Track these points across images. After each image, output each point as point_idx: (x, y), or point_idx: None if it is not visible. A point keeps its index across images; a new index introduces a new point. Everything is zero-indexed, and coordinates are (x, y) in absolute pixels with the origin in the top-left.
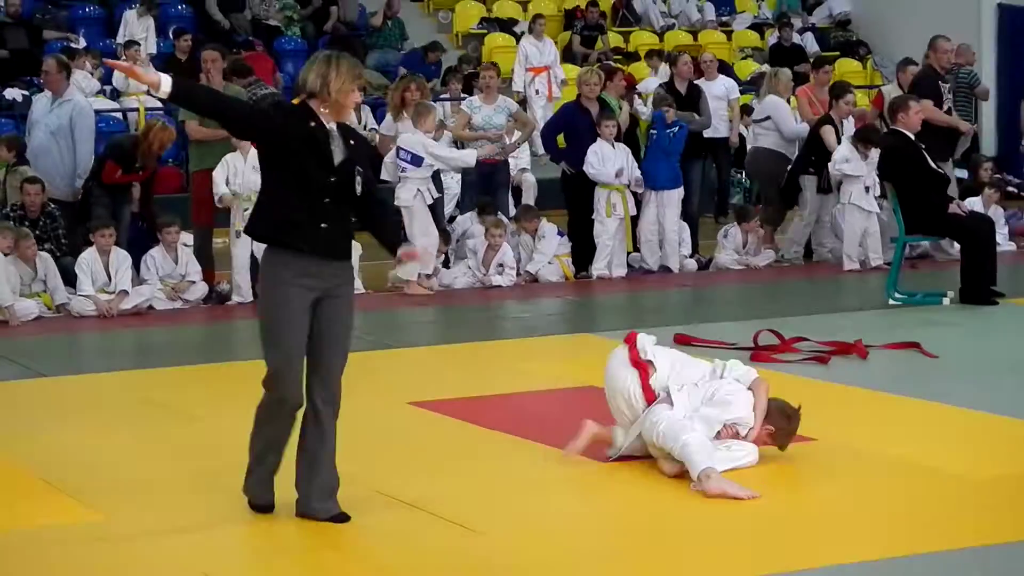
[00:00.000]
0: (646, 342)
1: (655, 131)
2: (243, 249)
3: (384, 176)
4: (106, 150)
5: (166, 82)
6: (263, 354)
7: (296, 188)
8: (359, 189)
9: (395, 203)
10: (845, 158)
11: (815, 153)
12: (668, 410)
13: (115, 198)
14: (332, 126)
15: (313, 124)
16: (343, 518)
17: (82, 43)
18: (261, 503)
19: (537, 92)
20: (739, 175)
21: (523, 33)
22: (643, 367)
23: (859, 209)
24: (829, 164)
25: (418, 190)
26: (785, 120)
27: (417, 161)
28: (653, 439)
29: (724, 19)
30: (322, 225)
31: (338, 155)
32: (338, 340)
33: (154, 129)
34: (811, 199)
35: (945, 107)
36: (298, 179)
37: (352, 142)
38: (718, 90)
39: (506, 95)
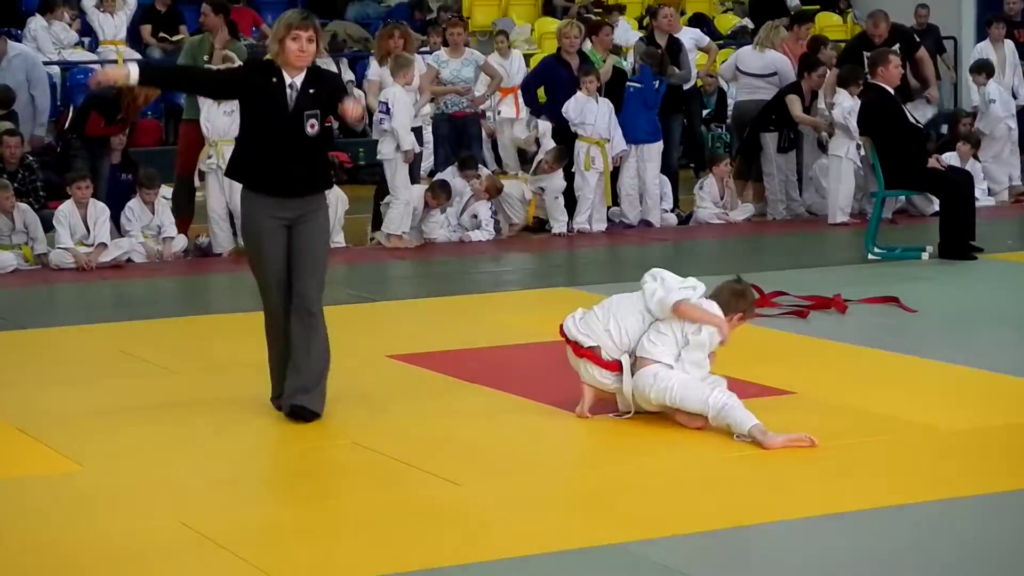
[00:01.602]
0: (574, 325)
1: (640, 84)
2: (217, 201)
3: (374, 135)
4: (88, 101)
5: (133, 71)
6: (253, 274)
7: (258, 134)
8: (311, 132)
9: (377, 156)
10: (851, 109)
11: (776, 112)
12: (665, 370)
13: (93, 151)
14: (295, 80)
15: (275, 79)
16: (313, 415)
17: None
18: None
19: (500, 113)
20: (719, 128)
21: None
22: (588, 354)
23: (853, 163)
24: (835, 113)
25: (398, 144)
26: (793, 78)
27: (389, 110)
28: (667, 402)
29: None
30: (283, 167)
31: (291, 103)
32: (312, 256)
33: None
34: (773, 156)
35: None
36: (259, 126)
37: (312, 90)
38: (686, 43)
39: (479, 49)
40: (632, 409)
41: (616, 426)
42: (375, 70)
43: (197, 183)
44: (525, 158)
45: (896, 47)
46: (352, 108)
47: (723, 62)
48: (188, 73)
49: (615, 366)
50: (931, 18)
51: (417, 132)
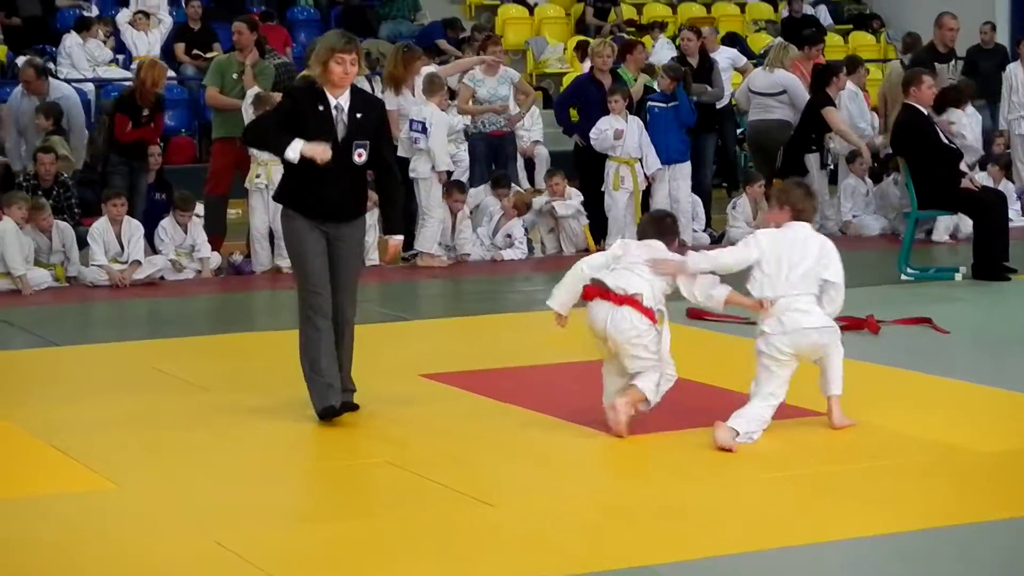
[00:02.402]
0: (609, 278)
1: (663, 104)
2: (260, 220)
3: (401, 153)
4: (111, 107)
5: (299, 143)
6: (296, 280)
7: (305, 162)
8: (359, 160)
9: (411, 175)
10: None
11: (815, 130)
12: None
13: (132, 167)
14: (340, 100)
15: (321, 107)
16: (354, 407)
17: (95, 11)
18: (326, 405)
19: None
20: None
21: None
22: (631, 301)
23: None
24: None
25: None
26: (803, 95)
27: (427, 130)
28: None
29: None
30: (326, 197)
31: (341, 130)
32: (347, 274)
33: (144, 66)
34: (817, 177)
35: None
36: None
37: (359, 115)
38: (722, 62)
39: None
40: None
41: (646, 446)
42: (389, 99)
43: (250, 204)
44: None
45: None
46: (394, 250)
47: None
48: (267, 123)
49: (652, 315)
50: (962, 37)
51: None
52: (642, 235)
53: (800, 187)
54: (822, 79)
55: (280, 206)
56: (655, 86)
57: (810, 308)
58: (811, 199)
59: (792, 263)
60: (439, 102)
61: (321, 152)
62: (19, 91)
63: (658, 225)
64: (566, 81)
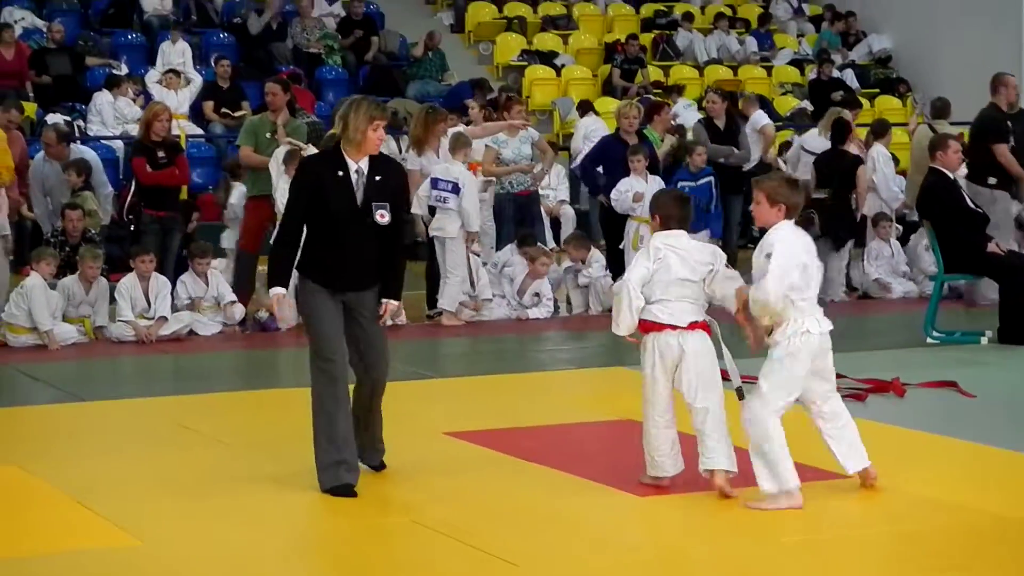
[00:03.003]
0: (663, 312)
1: (692, 183)
2: None
3: (415, 210)
4: (130, 152)
5: (281, 292)
6: (309, 342)
7: (325, 227)
8: (382, 220)
9: (435, 233)
10: None
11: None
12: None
13: (163, 224)
14: (361, 164)
15: (340, 173)
16: (382, 466)
17: (124, 70)
18: (339, 484)
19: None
20: None
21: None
22: (703, 326)
23: None
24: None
25: (462, 221)
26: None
27: (457, 189)
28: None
29: (765, 54)
30: (346, 264)
31: (360, 195)
32: (375, 337)
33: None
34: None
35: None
36: (326, 220)
37: (378, 177)
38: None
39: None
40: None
41: (670, 507)
42: (413, 159)
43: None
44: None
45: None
46: (388, 312)
47: (782, 143)
48: (286, 242)
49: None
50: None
51: None
52: (664, 213)
53: (789, 181)
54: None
55: None
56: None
57: None
58: (800, 192)
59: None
60: (464, 159)
61: (281, 319)
62: (40, 158)
63: (683, 207)
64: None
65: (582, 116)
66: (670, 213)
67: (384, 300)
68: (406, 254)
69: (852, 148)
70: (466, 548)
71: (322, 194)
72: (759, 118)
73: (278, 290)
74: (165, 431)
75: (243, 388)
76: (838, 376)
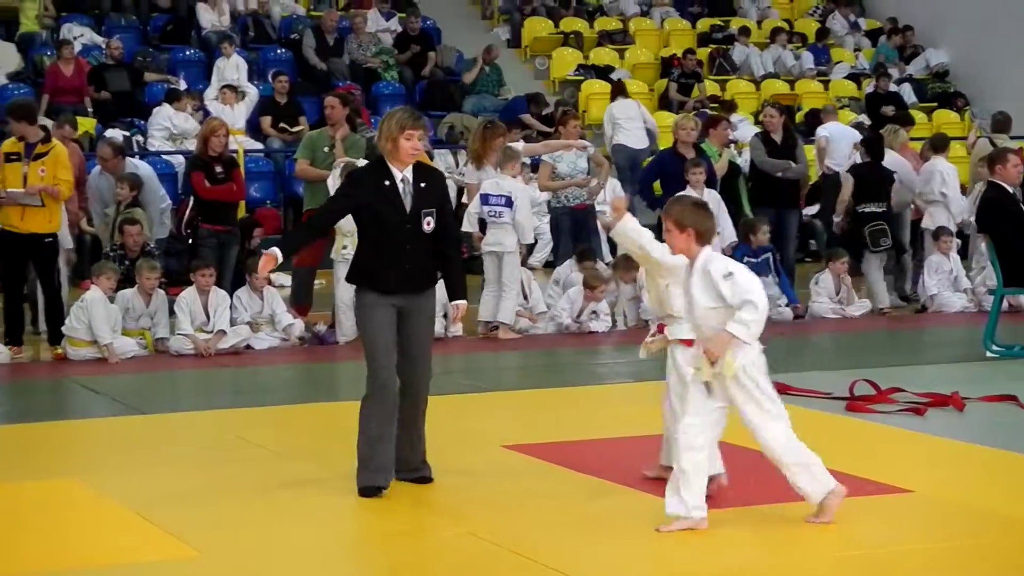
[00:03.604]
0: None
1: (754, 259)
2: (345, 290)
3: (465, 228)
4: (188, 166)
5: (278, 253)
6: (365, 356)
7: (379, 237)
8: (427, 228)
9: (490, 248)
10: None
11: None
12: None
13: (220, 239)
14: (405, 173)
15: (388, 183)
16: (427, 479)
17: (182, 85)
18: (371, 484)
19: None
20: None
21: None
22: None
23: None
24: None
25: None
26: (913, 177)
27: (511, 203)
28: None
29: (821, 68)
30: (398, 269)
31: (408, 202)
32: (421, 346)
33: (204, 123)
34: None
35: None
36: (379, 229)
37: (423, 185)
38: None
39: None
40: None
41: (728, 520)
42: (471, 172)
43: (335, 274)
44: None
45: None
46: (458, 314)
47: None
48: (312, 225)
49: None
50: None
51: None
52: (702, 228)
53: (697, 204)
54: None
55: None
56: (738, 160)
57: None
58: (710, 216)
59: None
60: (514, 173)
61: (263, 265)
62: (96, 172)
63: (712, 219)
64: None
65: (613, 99)
66: (708, 227)
67: (453, 303)
68: (461, 257)
69: (908, 161)
70: (526, 561)
71: (372, 204)
72: (820, 131)
73: (274, 249)
74: (224, 444)
75: (301, 401)
76: (897, 390)
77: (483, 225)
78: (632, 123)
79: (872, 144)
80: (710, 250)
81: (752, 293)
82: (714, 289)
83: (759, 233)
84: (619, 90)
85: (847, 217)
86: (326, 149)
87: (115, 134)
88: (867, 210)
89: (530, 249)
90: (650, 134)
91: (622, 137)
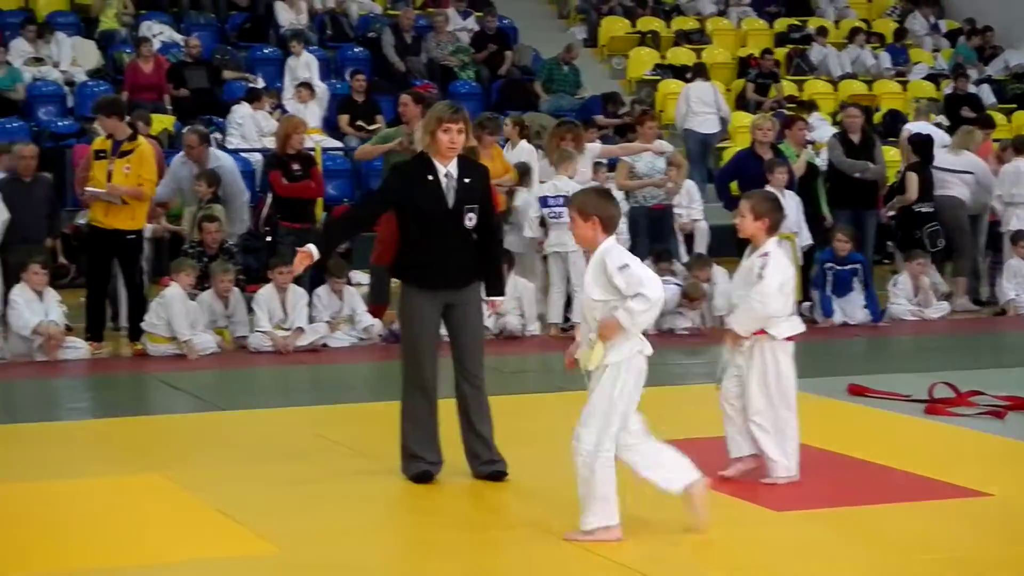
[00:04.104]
0: None
1: (839, 267)
2: None
3: (528, 233)
4: (265, 165)
5: (314, 250)
6: (402, 350)
7: (421, 231)
8: (469, 224)
9: (553, 249)
10: None
11: None
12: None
13: (299, 236)
14: (449, 168)
15: (430, 177)
16: (502, 476)
17: (260, 83)
18: (417, 472)
19: None
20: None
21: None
22: None
23: None
24: None
25: None
26: (991, 180)
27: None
28: None
29: (900, 69)
30: (441, 265)
31: (451, 197)
32: (473, 336)
33: (281, 120)
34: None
35: None
36: (420, 223)
37: (467, 180)
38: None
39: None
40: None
41: (804, 523)
42: (547, 172)
43: None
44: None
45: None
46: (498, 308)
47: None
48: (351, 218)
49: None
50: None
51: None
52: (775, 219)
53: (599, 192)
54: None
55: None
56: (816, 161)
57: None
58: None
59: None
60: (568, 174)
61: (297, 263)
62: (179, 159)
63: (609, 200)
64: (725, 156)
65: (692, 80)
66: (612, 215)
67: (489, 299)
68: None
69: (991, 163)
70: (598, 558)
71: (413, 198)
72: (906, 128)
73: (310, 246)
74: (302, 441)
75: (378, 399)
76: (977, 393)
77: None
78: (705, 108)
79: (922, 145)
80: (613, 241)
81: (645, 286)
82: (606, 281)
83: (838, 241)
84: (699, 72)
85: (898, 213)
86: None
87: (177, 158)
88: (923, 210)
89: None
90: (723, 121)
91: (693, 122)
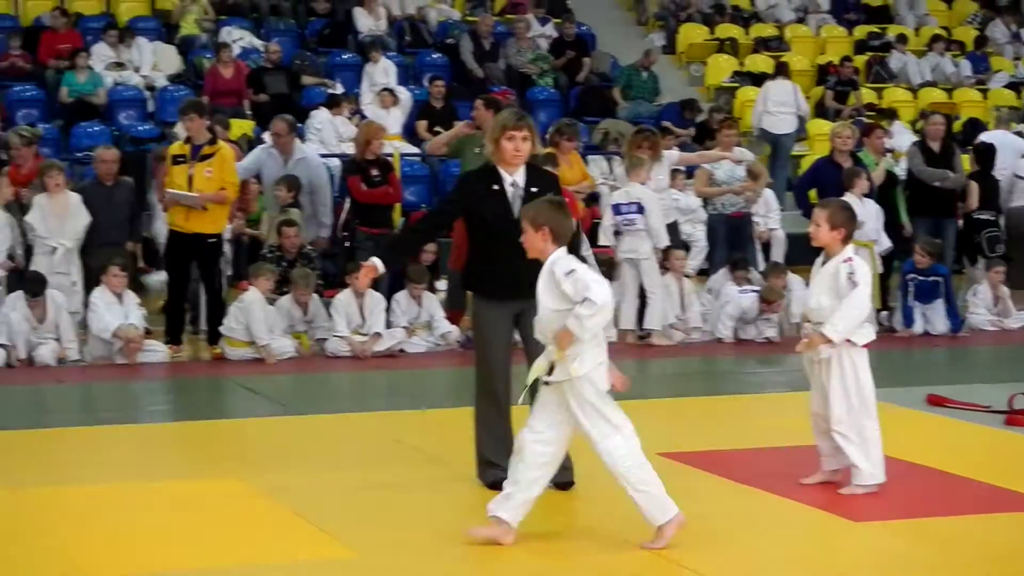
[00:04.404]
0: None
1: (923, 277)
2: None
3: (602, 241)
4: (344, 171)
5: (378, 264)
6: (476, 362)
7: (488, 241)
8: None
9: (625, 256)
10: None
11: None
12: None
13: (377, 241)
14: (516, 177)
15: (496, 187)
16: (570, 485)
17: (339, 89)
18: (493, 479)
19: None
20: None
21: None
22: None
23: None
24: None
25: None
26: None
27: (642, 209)
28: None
29: (980, 77)
30: (509, 276)
31: (516, 207)
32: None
33: (361, 126)
34: None
35: None
36: (487, 233)
37: (535, 189)
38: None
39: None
40: None
41: (886, 534)
42: (622, 179)
43: None
44: None
45: None
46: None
47: None
48: (418, 231)
49: None
50: None
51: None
52: (850, 229)
53: (552, 203)
54: None
55: None
56: (896, 169)
57: None
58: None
59: None
60: (642, 180)
61: (362, 277)
62: (263, 148)
63: (561, 211)
64: (803, 164)
65: (773, 77)
66: (563, 226)
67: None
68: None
69: None
70: (679, 568)
71: (479, 208)
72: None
73: (374, 260)
74: (380, 446)
75: (456, 405)
76: None
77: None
78: (782, 108)
79: (984, 153)
80: (563, 251)
81: (591, 290)
82: (558, 290)
83: (918, 255)
84: (780, 70)
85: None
86: (476, 150)
87: (262, 148)
88: (982, 216)
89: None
90: (800, 120)
91: (768, 122)
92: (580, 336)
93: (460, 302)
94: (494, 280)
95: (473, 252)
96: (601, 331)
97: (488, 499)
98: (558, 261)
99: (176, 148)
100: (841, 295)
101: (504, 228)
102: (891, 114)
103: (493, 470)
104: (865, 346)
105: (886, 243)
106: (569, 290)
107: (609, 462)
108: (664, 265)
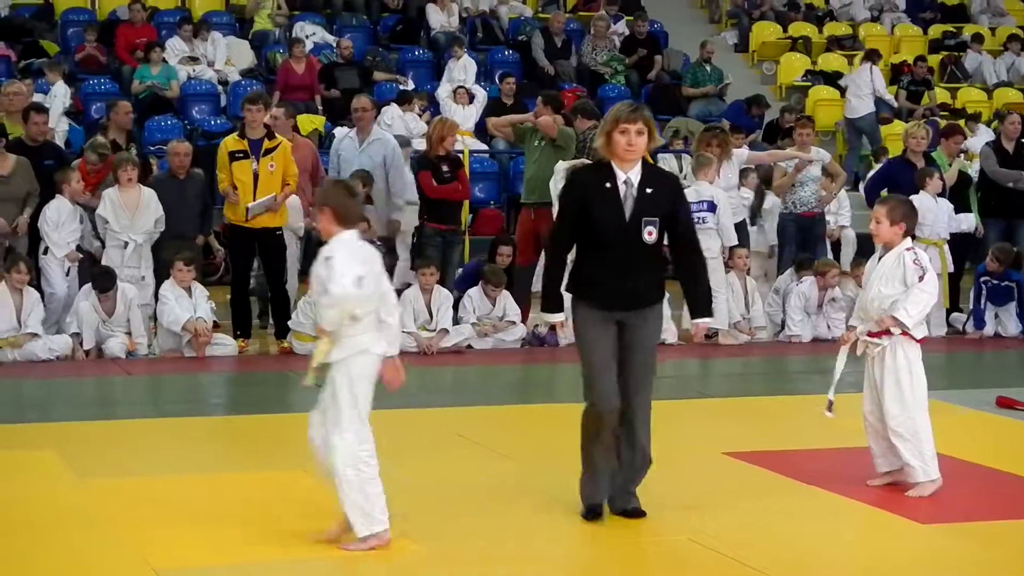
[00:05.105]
0: None
1: (997, 281)
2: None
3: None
4: (414, 167)
5: (555, 318)
6: (582, 372)
7: (596, 243)
8: (649, 239)
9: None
10: None
11: None
12: None
13: (445, 238)
14: (630, 175)
15: (608, 185)
16: (638, 513)
17: (410, 85)
18: (593, 503)
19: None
20: None
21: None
22: None
23: None
24: None
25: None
26: None
27: (713, 207)
28: None
29: None
30: (618, 284)
31: (628, 207)
32: (641, 361)
33: (433, 123)
34: None
35: None
36: (596, 235)
37: (649, 190)
38: None
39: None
40: None
41: (951, 536)
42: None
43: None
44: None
45: None
46: (698, 334)
47: None
48: (553, 258)
49: None
50: None
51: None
52: (911, 223)
53: (345, 188)
54: None
55: None
56: (969, 171)
57: None
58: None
59: None
60: (707, 179)
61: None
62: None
63: (346, 192)
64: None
65: (862, 63)
66: (349, 208)
67: (694, 322)
68: (706, 268)
69: None
70: (743, 568)
71: (589, 208)
72: None
73: (556, 317)
74: (444, 441)
75: (521, 402)
76: None
77: None
78: (859, 92)
79: None
80: (350, 234)
81: (332, 281)
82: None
83: (992, 261)
84: (869, 56)
85: None
86: (536, 143)
87: (342, 131)
88: None
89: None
90: (878, 103)
91: (846, 109)
92: (325, 327)
93: (524, 298)
94: (598, 289)
95: (580, 255)
96: (395, 323)
97: (555, 496)
98: (333, 244)
99: (231, 144)
100: (908, 282)
101: (613, 231)
102: (976, 117)
103: (593, 490)
104: (920, 341)
105: (969, 221)
106: (322, 274)
107: (331, 455)
108: (728, 263)
